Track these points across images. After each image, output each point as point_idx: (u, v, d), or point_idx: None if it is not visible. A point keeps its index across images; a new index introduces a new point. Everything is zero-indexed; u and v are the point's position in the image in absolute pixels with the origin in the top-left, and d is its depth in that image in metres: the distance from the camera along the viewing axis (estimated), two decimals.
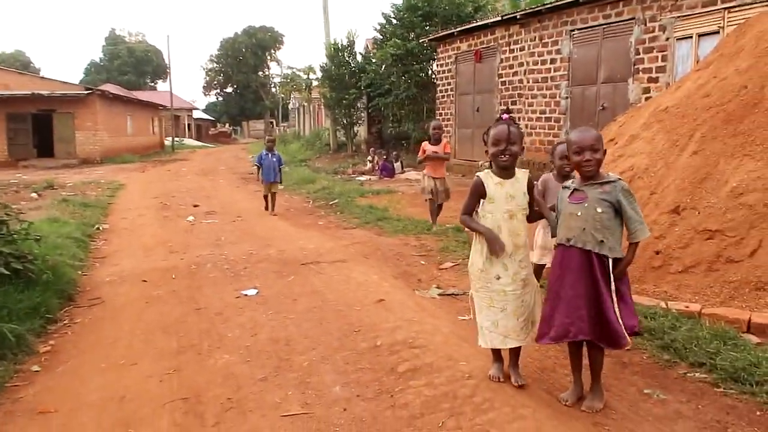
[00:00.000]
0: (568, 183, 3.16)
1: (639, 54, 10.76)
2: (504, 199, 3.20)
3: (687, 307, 4.20)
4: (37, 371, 3.92)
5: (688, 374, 3.43)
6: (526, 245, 3.27)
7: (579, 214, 2.97)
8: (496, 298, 3.25)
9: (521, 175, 3.27)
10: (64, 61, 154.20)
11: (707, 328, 3.84)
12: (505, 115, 3.22)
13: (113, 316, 5.02)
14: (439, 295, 5.20)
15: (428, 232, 7.88)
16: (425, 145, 8.09)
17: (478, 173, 3.33)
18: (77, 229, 8.36)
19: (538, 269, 4.81)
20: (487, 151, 3.27)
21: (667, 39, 10.23)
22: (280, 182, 10.98)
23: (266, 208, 10.67)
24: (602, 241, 2.91)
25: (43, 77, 29.45)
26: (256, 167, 10.96)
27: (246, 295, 5.41)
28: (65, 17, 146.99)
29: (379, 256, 6.68)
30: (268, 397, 3.40)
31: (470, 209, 3.33)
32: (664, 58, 10.33)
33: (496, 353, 3.47)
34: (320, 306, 4.97)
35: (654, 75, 10.50)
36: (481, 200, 3.25)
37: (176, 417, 3.25)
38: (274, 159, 10.61)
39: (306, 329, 4.44)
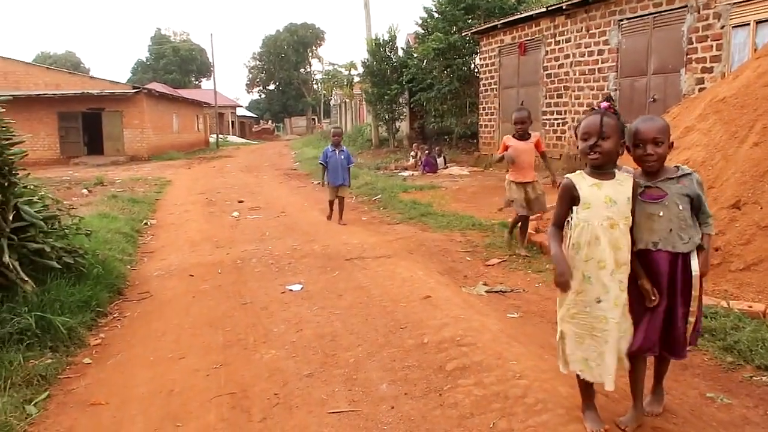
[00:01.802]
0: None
1: (692, 43, 10.36)
2: (602, 204, 2.60)
3: (750, 306, 3.98)
4: (88, 363, 3.99)
5: (755, 378, 3.24)
6: (628, 263, 2.63)
7: (661, 214, 2.64)
8: (597, 326, 2.63)
9: (623, 176, 2.66)
10: (112, 61, 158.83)
11: None
12: (603, 103, 2.66)
13: (161, 310, 5.09)
14: (486, 292, 5.08)
15: (515, 255, 6.24)
16: (507, 139, 6.36)
17: (567, 174, 2.76)
18: (126, 224, 8.54)
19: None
20: (577, 146, 2.73)
21: (722, 27, 9.81)
22: (349, 185, 9.34)
23: (329, 217, 9.08)
24: (687, 242, 2.64)
25: (92, 77, 30.22)
26: (320, 167, 9.18)
27: (291, 290, 5.40)
28: (113, 18, 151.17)
29: (423, 252, 6.60)
30: (314, 394, 3.37)
31: (561, 219, 2.75)
32: (719, 47, 9.92)
33: (588, 393, 2.83)
34: (365, 302, 4.92)
35: (708, 65, 10.10)
36: (574, 207, 2.67)
37: (223, 412, 3.24)
38: (342, 156, 8.91)
39: (351, 325, 4.40)
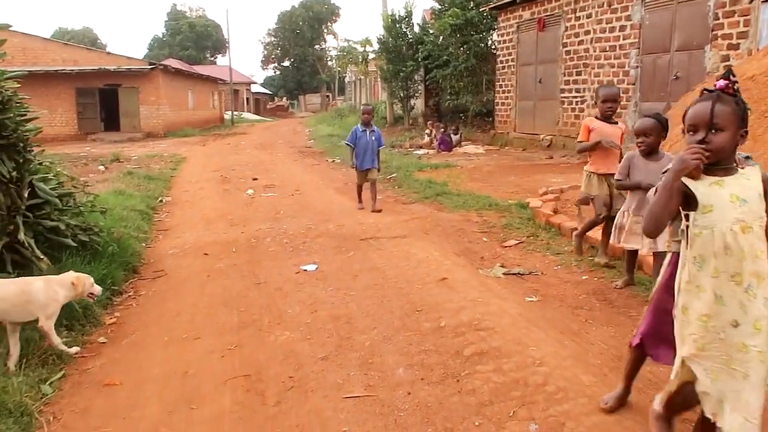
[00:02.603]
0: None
1: (718, 19, 10.04)
2: (728, 204, 2.05)
3: None
4: (103, 343, 3.98)
5: None
6: None
7: None
8: (736, 357, 2.05)
9: (750, 170, 2.12)
10: (128, 37, 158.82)
11: None
12: (720, 82, 2.07)
13: (176, 289, 5.06)
14: (504, 274, 4.99)
15: (596, 267, 5.11)
16: (590, 121, 5.22)
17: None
18: (141, 201, 8.53)
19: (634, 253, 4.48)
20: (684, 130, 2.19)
21: (751, 1, 9.48)
22: (379, 169, 8.46)
23: (361, 205, 8.18)
24: None
25: (109, 53, 30.14)
26: (348, 148, 8.34)
27: (305, 270, 5.35)
28: None
29: (439, 232, 6.51)
30: (329, 377, 3.33)
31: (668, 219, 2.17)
32: (746, 23, 9.60)
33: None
34: (381, 283, 4.86)
35: (734, 41, 9.79)
36: (690, 215, 2.10)
37: (238, 395, 3.21)
38: (373, 138, 8.07)
39: (367, 307, 4.34)
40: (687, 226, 2.13)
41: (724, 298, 2.06)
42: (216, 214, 8.29)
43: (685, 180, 2.06)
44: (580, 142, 5.25)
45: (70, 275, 3.76)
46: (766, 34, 9.23)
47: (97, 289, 3.90)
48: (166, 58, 49.46)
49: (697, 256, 2.11)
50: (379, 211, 7.83)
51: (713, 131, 2.04)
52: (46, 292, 3.55)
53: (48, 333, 3.55)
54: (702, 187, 2.06)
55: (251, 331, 4.06)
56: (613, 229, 4.46)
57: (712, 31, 10.16)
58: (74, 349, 3.73)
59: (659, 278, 2.60)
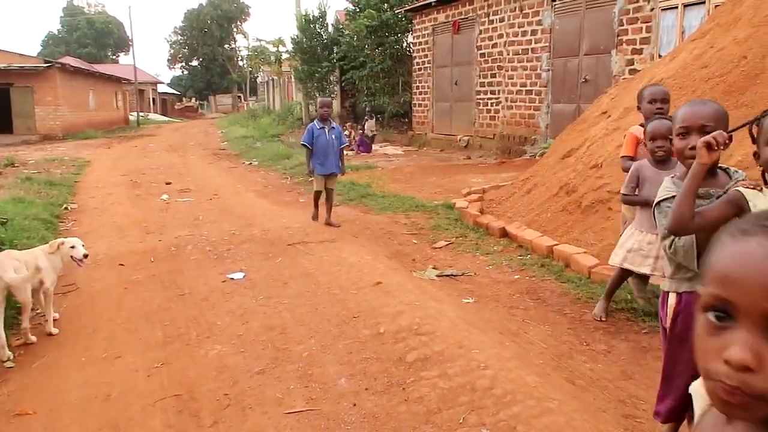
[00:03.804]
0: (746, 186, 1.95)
1: (623, 25, 10.57)
2: None
3: None
4: (10, 367, 3.60)
5: None
6: None
7: None
8: None
9: None
10: (18, 33, 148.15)
11: None
12: None
13: (90, 303, 4.69)
14: (438, 276, 4.97)
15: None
16: (637, 131, 4.02)
17: (738, 187, 1.99)
18: (44, 209, 7.89)
19: (621, 275, 3.85)
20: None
21: (652, 9, 10.05)
22: (343, 172, 7.27)
23: (315, 216, 7.05)
24: None
25: None
26: (305, 150, 7.01)
27: (232, 278, 5.11)
28: None
29: (368, 235, 6.42)
30: (268, 392, 3.16)
31: (708, 226, 1.99)
32: (648, 29, 10.16)
33: None
34: (313, 290, 4.70)
35: (638, 46, 10.33)
36: None
37: (169, 416, 2.99)
38: (333, 136, 6.89)
39: (301, 315, 4.18)
40: None
41: None
42: (129, 221, 7.80)
43: (747, 194, 1.90)
44: (626, 156, 4.09)
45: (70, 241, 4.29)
46: (667, 40, 9.80)
47: (78, 252, 4.19)
48: (63, 56, 46.45)
49: None
50: (338, 225, 6.80)
51: None
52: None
53: None
54: (762, 205, 1.85)
55: (178, 346, 3.81)
56: (617, 247, 3.81)
57: (618, 36, 10.68)
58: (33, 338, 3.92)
59: (669, 330, 2.27)
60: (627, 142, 4.16)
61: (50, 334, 4.04)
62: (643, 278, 3.97)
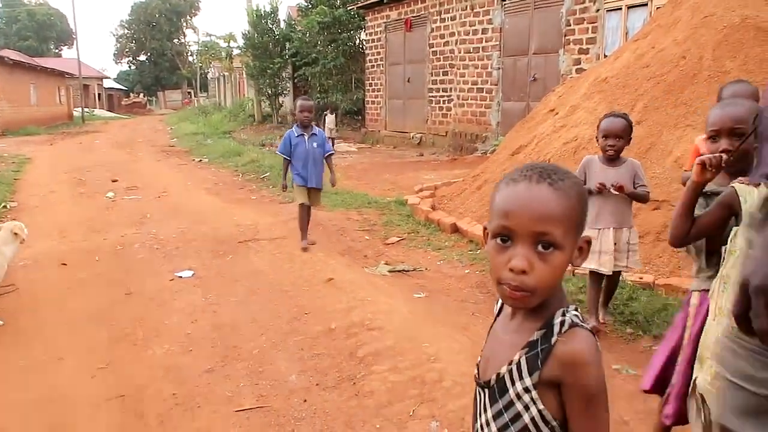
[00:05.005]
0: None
1: (570, 25, 10.83)
2: None
3: (641, 278, 4.19)
4: None
5: (654, 347, 3.40)
6: None
7: None
8: None
9: None
10: None
11: (663, 299, 3.83)
12: None
13: (31, 305, 4.52)
14: (390, 271, 4.99)
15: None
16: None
17: (734, 183, 1.87)
18: None
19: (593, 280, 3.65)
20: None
21: (597, 10, 10.33)
22: (334, 183, 6.12)
23: (305, 244, 5.79)
24: None
25: None
26: (283, 161, 6.03)
27: (181, 277, 5.01)
28: None
29: (321, 232, 6.38)
30: (217, 391, 3.12)
31: (703, 232, 1.96)
32: (594, 30, 10.44)
33: None
34: (265, 287, 4.66)
35: (584, 46, 10.60)
36: (734, 229, 1.77)
37: (114, 418, 2.92)
38: (315, 144, 5.82)
39: (252, 313, 4.14)
40: (730, 240, 1.81)
41: None
42: (72, 219, 7.55)
43: (741, 190, 1.81)
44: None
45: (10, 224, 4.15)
46: (611, 40, 10.08)
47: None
48: (2, 49, 44.59)
49: (724, 275, 1.83)
50: (312, 243, 5.88)
51: None
52: None
53: None
54: (752, 198, 1.74)
55: (124, 347, 3.72)
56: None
57: (565, 36, 10.93)
58: None
59: (690, 328, 2.19)
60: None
61: None
62: (606, 292, 3.78)
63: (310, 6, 21.21)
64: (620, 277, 3.77)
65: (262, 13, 23.06)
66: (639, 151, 5.34)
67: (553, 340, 1.05)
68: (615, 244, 3.49)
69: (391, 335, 3.59)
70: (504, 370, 1.10)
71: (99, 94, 54.70)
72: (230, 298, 4.44)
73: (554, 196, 1.03)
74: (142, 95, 66.83)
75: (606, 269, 3.49)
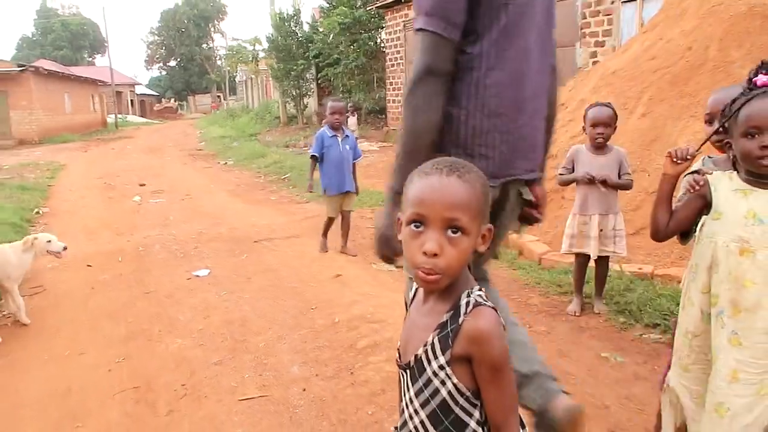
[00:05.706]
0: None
1: (585, 18, 10.79)
2: (740, 219, 1.76)
3: (640, 269, 4.25)
4: None
5: (644, 335, 3.47)
6: (758, 310, 1.72)
7: None
8: (719, 394, 1.79)
9: None
10: None
11: (660, 288, 3.89)
12: (764, 77, 1.73)
13: (56, 304, 4.79)
14: (397, 267, 5.12)
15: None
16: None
17: (715, 171, 1.93)
18: (14, 213, 7.94)
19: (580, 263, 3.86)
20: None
21: (613, 2, 10.28)
22: (357, 191, 5.96)
23: (324, 247, 5.82)
24: None
25: None
26: (311, 162, 5.91)
27: (197, 276, 5.23)
28: None
29: (333, 230, 6.52)
30: (223, 381, 3.29)
31: (681, 224, 1.93)
32: (609, 22, 10.39)
33: None
34: (275, 284, 4.84)
35: (601, 39, 10.56)
36: (704, 218, 1.88)
37: (126, 407, 3.11)
38: (348, 146, 5.69)
39: (261, 309, 4.32)
40: (699, 229, 1.91)
41: (711, 318, 1.83)
42: (99, 223, 7.88)
43: (713, 179, 1.84)
44: None
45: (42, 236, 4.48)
46: (627, 32, 10.03)
47: (56, 246, 4.43)
48: (38, 60, 46.00)
49: (693, 265, 1.91)
50: (354, 255, 5.65)
51: None
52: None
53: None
54: (723, 191, 1.81)
55: (140, 342, 3.93)
56: (564, 237, 3.88)
57: (581, 29, 10.90)
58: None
59: None
60: None
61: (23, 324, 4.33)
62: (598, 281, 3.91)
63: (331, 7, 21.42)
64: (608, 263, 3.88)
65: (285, 16, 23.37)
66: (643, 143, 5.37)
67: (461, 320, 1.17)
68: (601, 230, 3.64)
69: (391, 327, 3.73)
70: (420, 351, 1.22)
71: (131, 101, 56.02)
72: (242, 295, 4.64)
73: (463, 187, 1.16)
74: (173, 100, 68.18)
75: (591, 252, 3.71)
